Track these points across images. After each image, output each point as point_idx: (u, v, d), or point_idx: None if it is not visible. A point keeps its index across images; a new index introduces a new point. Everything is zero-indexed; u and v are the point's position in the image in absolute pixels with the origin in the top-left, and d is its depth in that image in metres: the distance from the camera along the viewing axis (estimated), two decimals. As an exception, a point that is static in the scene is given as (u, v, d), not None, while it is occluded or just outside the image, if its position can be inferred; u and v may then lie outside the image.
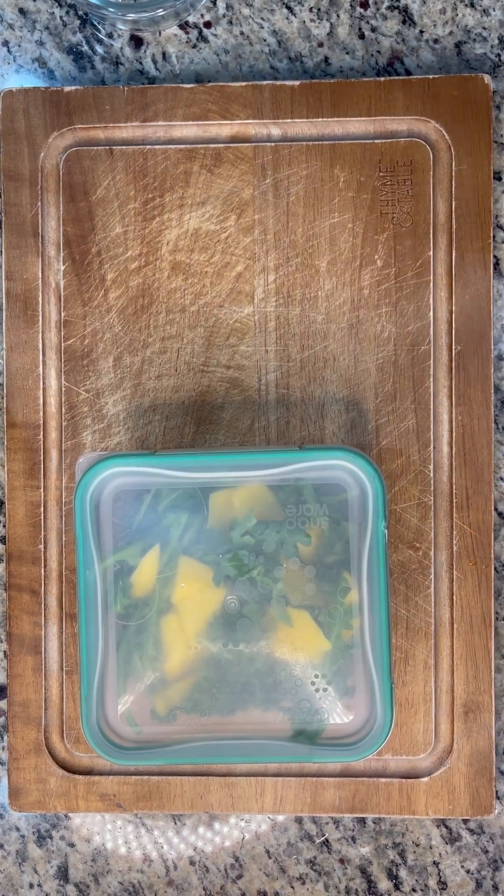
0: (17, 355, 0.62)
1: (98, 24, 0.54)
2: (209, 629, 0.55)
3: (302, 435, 0.61)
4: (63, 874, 0.64)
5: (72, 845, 0.64)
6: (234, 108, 0.61)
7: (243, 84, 0.61)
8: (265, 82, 0.61)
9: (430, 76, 0.60)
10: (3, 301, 0.62)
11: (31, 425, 0.62)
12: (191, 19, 0.63)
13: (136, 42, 0.63)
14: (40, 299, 0.61)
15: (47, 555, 0.62)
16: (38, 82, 0.64)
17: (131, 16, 0.55)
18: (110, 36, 0.62)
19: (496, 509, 0.62)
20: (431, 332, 0.61)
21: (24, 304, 0.61)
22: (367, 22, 0.63)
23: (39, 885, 0.64)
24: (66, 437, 0.62)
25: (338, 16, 0.63)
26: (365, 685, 0.55)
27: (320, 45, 0.63)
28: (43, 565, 0.61)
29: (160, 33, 0.62)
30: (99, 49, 0.63)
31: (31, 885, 0.64)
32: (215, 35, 0.63)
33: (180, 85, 0.61)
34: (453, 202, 0.60)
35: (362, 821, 0.63)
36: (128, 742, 0.56)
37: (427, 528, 0.61)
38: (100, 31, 0.62)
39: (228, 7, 0.63)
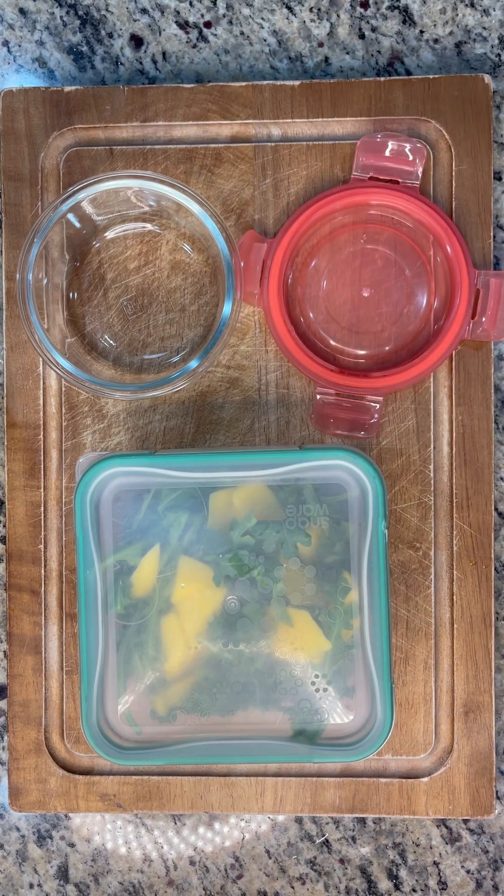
0: (17, 355, 0.62)
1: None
2: (209, 629, 0.55)
3: (302, 435, 0.61)
4: (63, 874, 0.64)
5: (72, 845, 0.64)
6: (234, 108, 0.61)
7: (243, 84, 0.61)
8: (265, 82, 0.61)
9: (431, 76, 0.60)
10: (3, 301, 0.62)
11: (31, 425, 0.62)
12: (191, 19, 0.63)
13: (136, 42, 0.63)
14: (43, 299, 0.61)
15: (47, 555, 0.62)
16: (38, 82, 0.64)
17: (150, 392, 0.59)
18: (110, 35, 0.62)
19: (496, 509, 0.62)
20: (431, 332, 0.61)
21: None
22: (367, 22, 0.63)
23: (39, 885, 0.64)
24: (66, 437, 0.62)
25: (338, 16, 0.63)
26: (365, 685, 0.55)
27: (320, 45, 0.63)
28: (43, 565, 0.61)
29: (160, 33, 0.62)
30: (99, 49, 0.63)
31: (31, 885, 0.64)
32: (215, 35, 0.63)
33: (180, 85, 0.61)
34: (453, 202, 0.60)
35: (362, 821, 0.63)
36: (128, 742, 0.56)
37: (427, 528, 0.61)
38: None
39: (228, 7, 0.63)
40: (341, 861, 0.63)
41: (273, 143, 0.61)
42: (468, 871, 0.63)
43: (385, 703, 0.54)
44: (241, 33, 0.63)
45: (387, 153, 0.59)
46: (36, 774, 0.61)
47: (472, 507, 0.60)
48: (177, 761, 0.56)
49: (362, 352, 0.61)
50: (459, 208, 0.60)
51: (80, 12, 0.63)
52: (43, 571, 0.61)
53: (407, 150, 0.59)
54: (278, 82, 0.61)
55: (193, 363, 0.57)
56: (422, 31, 0.62)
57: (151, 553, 0.55)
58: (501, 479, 0.62)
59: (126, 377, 0.61)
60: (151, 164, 0.61)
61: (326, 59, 0.63)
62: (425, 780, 0.60)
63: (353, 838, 0.63)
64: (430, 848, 0.63)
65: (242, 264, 0.59)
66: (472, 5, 0.62)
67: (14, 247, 0.61)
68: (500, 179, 0.62)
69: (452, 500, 0.61)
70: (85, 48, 0.64)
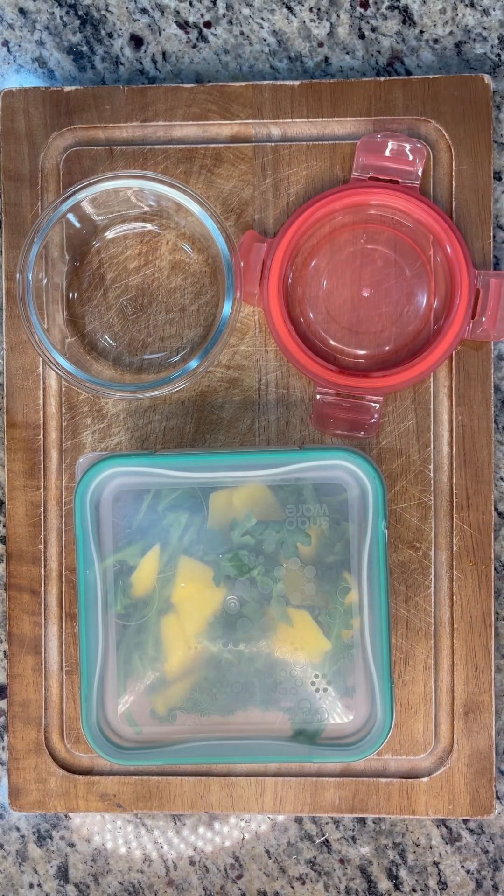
0: (17, 355, 0.62)
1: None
2: (209, 629, 0.55)
3: (302, 435, 0.61)
4: (63, 874, 0.64)
5: (72, 845, 0.64)
6: (234, 108, 0.61)
7: (243, 84, 0.61)
8: (265, 82, 0.61)
9: (430, 76, 0.60)
10: (3, 301, 0.62)
11: (31, 425, 0.62)
12: (191, 19, 0.63)
13: (136, 42, 0.63)
14: (43, 299, 0.61)
15: (47, 555, 0.62)
16: (38, 82, 0.64)
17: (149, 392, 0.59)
18: (110, 35, 0.62)
19: (496, 509, 0.62)
20: (431, 332, 0.61)
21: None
22: (367, 22, 0.63)
23: (39, 885, 0.64)
24: (66, 437, 0.62)
25: (338, 16, 0.63)
26: (365, 685, 0.55)
27: (320, 45, 0.63)
28: (43, 565, 0.61)
29: (160, 33, 0.62)
30: (99, 49, 0.63)
31: (31, 885, 0.64)
32: (215, 35, 0.63)
33: (180, 85, 0.61)
34: (453, 202, 0.60)
35: (362, 821, 0.63)
36: (128, 742, 0.56)
37: (427, 528, 0.61)
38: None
39: (228, 7, 0.63)
40: (341, 861, 0.63)
41: (273, 143, 0.61)
42: (468, 871, 0.63)
43: (385, 703, 0.54)
44: (241, 33, 0.63)
45: (387, 153, 0.59)
46: (36, 774, 0.61)
47: (472, 507, 0.60)
48: (177, 761, 0.56)
49: (362, 352, 0.61)
50: (459, 208, 0.60)
51: (80, 12, 0.63)
52: (43, 571, 0.61)
53: (407, 150, 0.59)
54: (278, 82, 0.61)
55: (193, 363, 0.57)
56: (422, 31, 0.62)
57: (151, 553, 0.55)
58: (501, 479, 0.62)
59: (126, 377, 0.61)
60: (151, 164, 0.61)
61: (326, 59, 0.63)
62: (425, 780, 0.60)
63: (353, 838, 0.63)
64: (430, 848, 0.63)
65: (242, 264, 0.59)
66: (472, 5, 0.62)
67: (14, 247, 0.61)
68: (500, 179, 0.62)
69: (452, 500, 0.61)
70: (85, 48, 0.63)
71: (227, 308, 0.57)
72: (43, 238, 0.56)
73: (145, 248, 0.61)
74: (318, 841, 0.63)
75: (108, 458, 0.55)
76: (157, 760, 0.55)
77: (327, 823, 0.63)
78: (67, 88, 0.61)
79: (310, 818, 0.63)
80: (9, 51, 0.64)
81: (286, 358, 0.60)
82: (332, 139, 0.61)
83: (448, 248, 0.59)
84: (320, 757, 0.55)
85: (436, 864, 0.63)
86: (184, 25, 0.63)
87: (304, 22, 0.63)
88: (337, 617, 0.55)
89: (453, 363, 0.60)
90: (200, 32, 0.63)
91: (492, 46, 0.62)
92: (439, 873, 0.63)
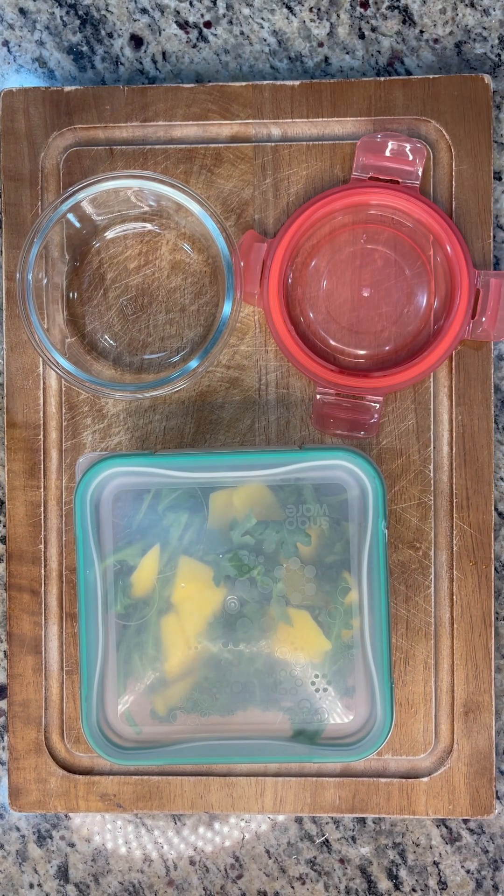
0: (17, 355, 0.62)
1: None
2: (209, 629, 0.55)
3: (302, 435, 0.61)
4: (63, 874, 0.64)
5: (72, 845, 0.64)
6: (234, 108, 0.61)
7: (243, 84, 0.61)
8: (265, 82, 0.61)
9: (430, 76, 0.60)
10: (3, 301, 0.62)
11: (31, 425, 0.62)
12: (191, 19, 0.63)
13: (136, 42, 0.63)
14: (43, 299, 0.61)
15: (47, 555, 0.62)
16: (38, 82, 0.64)
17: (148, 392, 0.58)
18: (110, 35, 0.62)
19: (496, 509, 0.62)
20: (431, 332, 0.61)
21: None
22: (367, 22, 0.63)
23: (39, 885, 0.64)
24: (66, 437, 0.62)
25: (338, 16, 0.63)
26: (365, 685, 0.55)
27: (320, 45, 0.63)
28: (43, 565, 0.61)
29: (160, 33, 0.62)
30: (99, 49, 0.63)
31: (31, 885, 0.64)
32: (215, 35, 0.63)
33: (180, 85, 0.61)
34: (453, 202, 0.60)
35: (362, 821, 0.63)
36: (128, 742, 0.56)
37: (427, 528, 0.61)
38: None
39: (228, 7, 0.63)
40: (341, 861, 0.63)
41: (273, 143, 0.61)
42: (468, 871, 0.63)
43: (385, 703, 0.54)
44: (241, 33, 0.63)
45: (387, 153, 0.59)
46: (36, 774, 0.61)
47: (472, 507, 0.60)
48: (177, 761, 0.56)
49: (362, 352, 0.61)
50: (459, 208, 0.60)
51: (80, 12, 0.63)
52: (43, 571, 0.62)
53: (407, 149, 0.59)
54: (278, 82, 0.61)
55: (193, 363, 0.57)
56: (422, 31, 0.62)
57: (151, 553, 0.55)
58: (501, 479, 0.62)
59: (126, 377, 0.61)
60: (151, 164, 0.61)
61: (326, 59, 0.63)
62: (425, 780, 0.60)
63: (353, 838, 0.63)
64: (430, 848, 0.63)
65: (242, 264, 0.59)
66: (472, 5, 0.62)
67: (14, 247, 0.61)
68: (500, 179, 0.62)
69: (452, 500, 0.61)
70: (85, 48, 0.64)
71: (227, 308, 0.57)
72: (43, 238, 0.56)
73: (145, 248, 0.61)
74: (318, 841, 0.63)
75: (108, 458, 0.55)
76: (157, 760, 0.55)
77: (327, 823, 0.63)
78: (67, 88, 0.61)
79: (310, 818, 0.63)
80: (9, 51, 0.64)
81: (286, 358, 0.60)
82: (332, 139, 0.61)
83: (448, 248, 0.59)
84: (320, 757, 0.55)
85: (436, 864, 0.63)
86: (184, 25, 0.63)
87: (304, 22, 0.63)
88: (337, 617, 0.55)
89: (453, 363, 0.60)
90: (200, 32, 0.63)
91: (492, 46, 0.62)
92: (439, 873, 0.63)
